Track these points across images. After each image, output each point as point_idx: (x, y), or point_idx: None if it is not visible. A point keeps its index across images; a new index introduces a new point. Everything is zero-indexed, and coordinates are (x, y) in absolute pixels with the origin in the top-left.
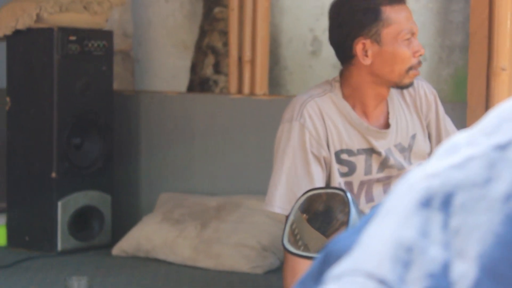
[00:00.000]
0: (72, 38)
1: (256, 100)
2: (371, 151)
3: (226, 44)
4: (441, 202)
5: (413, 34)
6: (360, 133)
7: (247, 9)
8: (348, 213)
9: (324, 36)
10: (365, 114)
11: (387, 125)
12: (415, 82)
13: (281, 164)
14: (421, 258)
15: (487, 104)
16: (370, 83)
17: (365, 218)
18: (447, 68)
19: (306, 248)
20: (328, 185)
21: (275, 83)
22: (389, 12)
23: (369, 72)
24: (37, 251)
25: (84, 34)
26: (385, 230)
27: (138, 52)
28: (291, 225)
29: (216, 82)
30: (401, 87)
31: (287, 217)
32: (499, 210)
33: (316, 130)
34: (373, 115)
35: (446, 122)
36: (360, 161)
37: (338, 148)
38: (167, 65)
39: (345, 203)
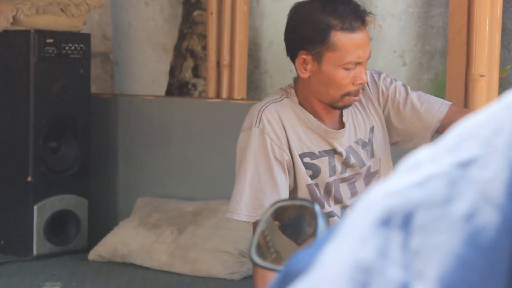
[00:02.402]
0: (49, 40)
1: (234, 105)
2: (333, 152)
3: (205, 47)
4: (401, 222)
5: (359, 63)
6: (319, 136)
7: (226, 13)
8: (315, 226)
9: None
10: (320, 117)
11: (342, 125)
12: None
13: (244, 172)
14: (379, 279)
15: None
16: (312, 95)
17: (325, 235)
18: (427, 73)
19: (278, 256)
20: (294, 192)
21: (255, 87)
22: (338, 38)
23: (308, 85)
24: (12, 255)
25: (61, 37)
26: (342, 250)
27: (117, 54)
28: (263, 231)
29: (195, 86)
30: (334, 107)
31: (254, 227)
32: (459, 230)
33: (276, 135)
34: (328, 117)
35: (413, 96)
36: (323, 163)
37: (300, 151)
38: (147, 68)
39: (313, 215)
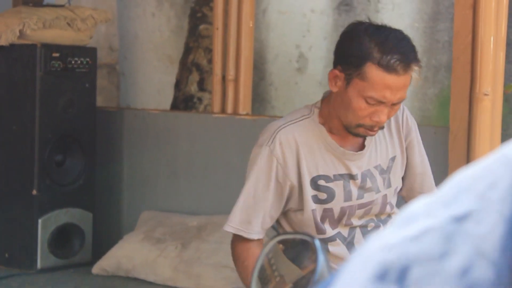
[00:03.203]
0: (55, 54)
1: (239, 120)
2: (348, 176)
3: (211, 61)
4: (396, 276)
5: (382, 103)
6: (337, 158)
7: (231, 28)
8: (315, 261)
9: (310, 53)
10: (340, 137)
11: (363, 147)
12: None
13: (245, 186)
14: None
15: (469, 129)
16: (334, 112)
17: (324, 285)
18: (433, 87)
19: (282, 280)
20: (300, 214)
21: (260, 99)
22: (371, 70)
23: (333, 100)
24: (16, 268)
25: (67, 51)
26: None
27: (123, 66)
28: (267, 254)
29: (200, 99)
30: (349, 132)
31: (233, 239)
32: (454, 285)
33: (284, 158)
34: (349, 137)
35: (423, 152)
36: (338, 187)
37: (314, 174)
38: (152, 80)
39: (314, 250)
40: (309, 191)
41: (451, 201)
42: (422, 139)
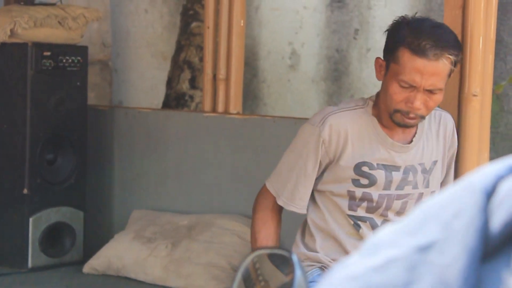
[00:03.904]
0: (47, 53)
1: (229, 119)
2: (391, 168)
3: (202, 59)
4: None
5: (414, 87)
6: (384, 148)
7: (222, 27)
8: (293, 276)
9: (303, 49)
10: (390, 130)
11: (411, 143)
12: (449, 116)
13: (296, 160)
14: None
15: (459, 130)
16: (382, 103)
17: None
18: None
19: (267, 285)
20: (325, 195)
21: (253, 96)
22: (403, 54)
23: (381, 91)
24: (7, 267)
25: (58, 50)
26: None
27: (116, 62)
28: (253, 259)
29: (192, 97)
30: (391, 120)
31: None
32: None
33: (329, 140)
34: (398, 132)
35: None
36: (380, 175)
37: (359, 160)
38: (145, 76)
39: (291, 266)
40: (348, 174)
41: (416, 230)
42: None
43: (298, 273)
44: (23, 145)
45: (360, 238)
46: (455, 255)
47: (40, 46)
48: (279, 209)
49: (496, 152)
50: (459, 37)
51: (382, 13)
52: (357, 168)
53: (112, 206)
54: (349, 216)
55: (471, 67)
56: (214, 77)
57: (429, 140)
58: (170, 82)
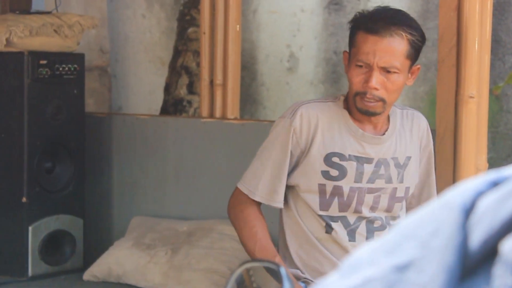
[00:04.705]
0: (43, 62)
1: (227, 124)
2: (363, 160)
3: (199, 64)
4: None
5: (369, 66)
6: (355, 140)
7: (218, 33)
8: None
9: (301, 52)
10: (361, 123)
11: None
12: (422, 116)
13: (268, 155)
14: None
15: (456, 132)
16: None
17: None
18: (423, 85)
19: None
20: (296, 190)
21: (252, 100)
22: (359, 37)
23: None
24: (7, 276)
25: (54, 58)
26: None
27: (115, 68)
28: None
29: (190, 103)
30: (357, 109)
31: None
32: None
33: (300, 129)
34: (370, 126)
35: (432, 171)
36: (351, 166)
37: (330, 150)
38: (144, 81)
39: (279, 278)
40: (318, 165)
41: (394, 249)
42: None
43: (286, 285)
44: (21, 153)
45: (333, 241)
46: (433, 273)
47: (36, 55)
48: (258, 205)
49: (496, 152)
50: (455, 39)
51: None
52: (328, 158)
53: (111, 213)
54: (321, 216)
55: (467, 69)
56: (211, 82)
57: (402, 136)
58: (168, 88)
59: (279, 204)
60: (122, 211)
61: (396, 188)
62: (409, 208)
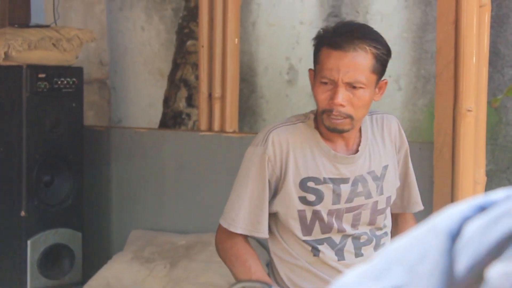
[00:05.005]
0: (41, 75)
1: (226, 137)
2: (339, 181)
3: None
4: None
5: (334, 82)
6: (329, 161)
7: (216, 46)
8: None
9: (300, 65)
10: (333, 143)
11: (357, 153)
12: (391, 117)
13: (244, 186)
14: None
15: (454, 145)
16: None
17: None
18: (423, 97)
19: None
20: (276, 217)
21: (251, 112)
22: (323, 53)
23: None
24: None
25: (53, 71)
26: None
27: (114, 80)
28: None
29: (189, 116)
30: (325, 127)
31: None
32: None
33: (274, 157)
34: (341, 144)
35: (410, 170)
36: (327, 189)
37: (304, 175)
38: (143, 93)
39: None
40: (294, 191)
41: (381, 274)
42: None
43: None
44: (19, 167)
45: (323, 263)
46: None
47: (34, 68)
48: (245, 237)
49: (495, 164)
50: (452, 53)
51: (379, 28)
52: (303, 184)
53: (110, 227)
54: (306, 241)
55: (465, 82)
56: (210, 95)
57: (374, 147)
58: (167, 101)
59: (263, 234)
60: (120, 224)
61: (376, 201)
62: (393, 208)
